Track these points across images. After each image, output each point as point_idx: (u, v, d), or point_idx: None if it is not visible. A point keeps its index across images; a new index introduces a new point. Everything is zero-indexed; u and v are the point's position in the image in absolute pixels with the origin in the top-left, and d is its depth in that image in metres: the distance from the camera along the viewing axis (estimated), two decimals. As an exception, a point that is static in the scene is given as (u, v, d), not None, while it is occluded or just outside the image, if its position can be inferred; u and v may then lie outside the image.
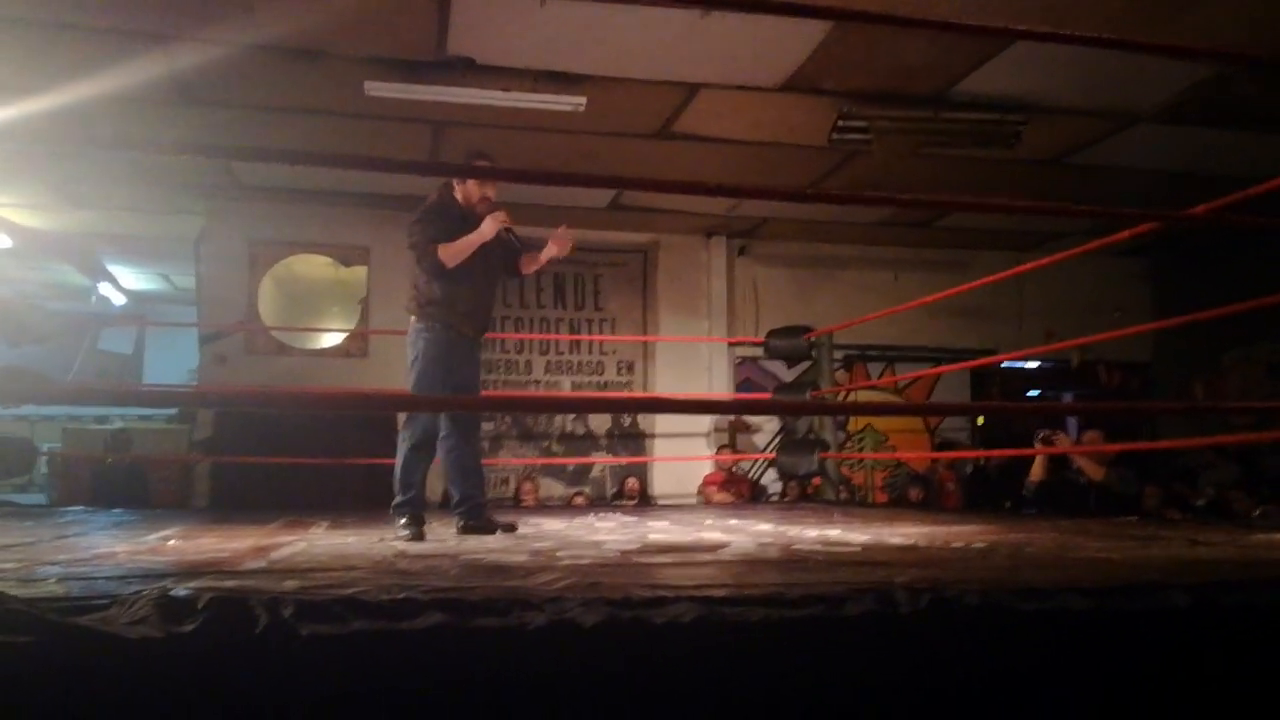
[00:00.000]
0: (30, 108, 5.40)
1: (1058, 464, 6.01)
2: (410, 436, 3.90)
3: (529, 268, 4.27)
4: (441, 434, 3.95)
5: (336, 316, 8.47)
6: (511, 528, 3.92)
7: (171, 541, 3.42)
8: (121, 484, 7.34)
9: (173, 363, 10.49)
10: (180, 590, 1.49)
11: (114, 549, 3.07)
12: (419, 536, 3.60)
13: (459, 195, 4.00)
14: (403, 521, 3.73)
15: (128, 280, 11.14)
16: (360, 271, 8.39)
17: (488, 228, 3.88)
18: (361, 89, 5.45)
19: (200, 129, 6.27)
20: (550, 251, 4.15)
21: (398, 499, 3.86)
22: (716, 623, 1.39)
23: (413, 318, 3.97)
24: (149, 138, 6.16)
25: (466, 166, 4.07)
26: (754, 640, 1.40)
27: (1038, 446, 5.81)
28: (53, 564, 2.51)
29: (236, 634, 1.21)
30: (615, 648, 1.34)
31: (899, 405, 9.79)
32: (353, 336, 8.26)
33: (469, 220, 3.93)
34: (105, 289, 10.89)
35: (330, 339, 8.31)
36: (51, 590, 1.77)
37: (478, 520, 3.90)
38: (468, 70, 5.35)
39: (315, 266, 8.45)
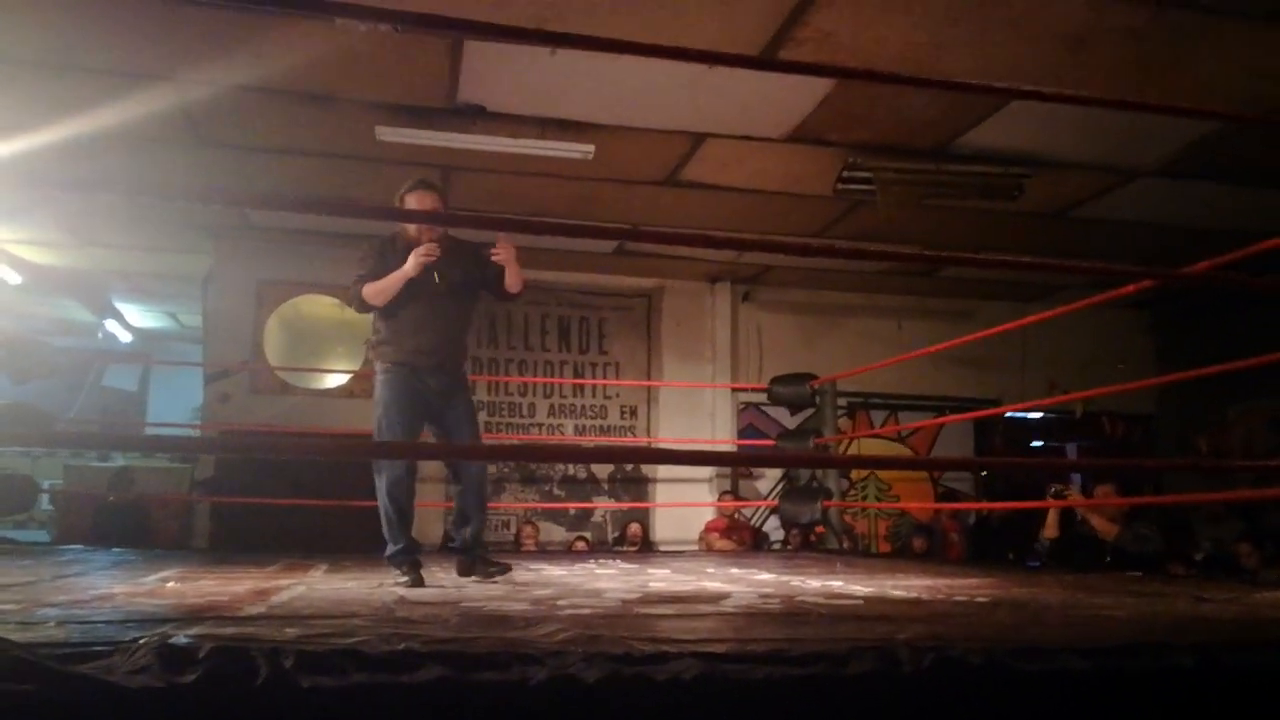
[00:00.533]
0: (40, 142, 5.47)
1: (1071, 519, 5.92)
2: (381, 486, 3.80)
3: (513, 286, 4.00)
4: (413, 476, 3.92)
5: (341, 357, 8.49)
6: (505, 568, 3.89)
7: (171, 583, 3.41)
8: (122, 522, 7.33)
9: (177, 400, 10.50)
10: (181, 638, 1.49)
11: (113, 590, 3.06)
12: (417, 582, 3.55)
13: (409, 229, 3.89)
14: (399, 570, 3.68)
15: (134, 317, 11.20)
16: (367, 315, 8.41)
17: (409, 265, 3.74)
18: (372, 133, 5.52)
19: (211, 169, 6.34)
20: (503, 259, 3.89)
21: (389, 550, 3.78)
22: (719, 680, 1.39)
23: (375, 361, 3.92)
24: (160, 178, 6.23)
25: (472, 215, 4.09)
26: (756, 698, 1.39)
27: (1050, 500, 5.71)
28: (52, 605, 2.50)
29: (237, 685, 1.20)
30: (617, 704, 1.33)
31: (906, 460, 9.76)
32: (357, 377, 8.27)
33: (396, 254, 3.84)
34: (111, 325, 10.94)
35: (334, 379, 8.33)
36: (51, 635, 1.77)
37: (475, 562, 3.90)
38: (478, 117, 5.43)
39: (321, 306, 8.48)
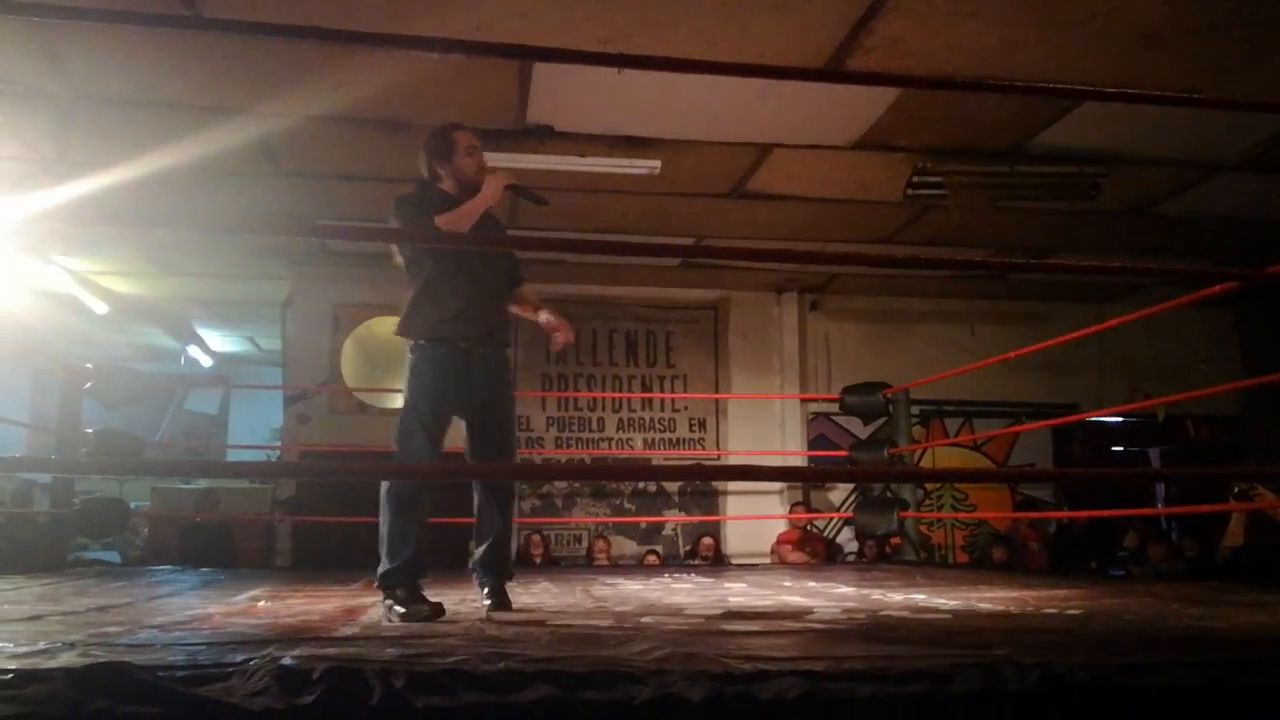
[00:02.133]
0: (123, 177, 5.67)
1: (1260, 524, 5.31)
2: (392, 485, 3.10)
3: (523, 309, 3.58)
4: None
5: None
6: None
7: (262, 603, 3.50)
8: (208, 542, 7.54)
9: (257, 422, 10.77)
10: (290, 660, 1.53)
11: (208, 610, 3.15)
12: (419, 615, 2.85)
13: (446, 183, 3.25)
14: (393, 600, 2.95)
15: (215, 342, 11.52)
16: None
17: (490, 188, 3.14)
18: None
19: (288, 197, 6.51)
20: (548, 325, 3.55)
21: (384, 566, 3.02)
22: (822, 699, 1.38)
23: (399, 333, 3.25)
24: (240, 209, 6.41)
25: (537, 237, 3.46)
26: (861, 717, 1.38)
27: (1233, 503, 5.12)
28: (154, 627, 2.59)
29: (353, 705, 1.23)
30: (722, 724, 1.33)
31: (984, 471, 9.57)
32: (430, 396, 8.38)
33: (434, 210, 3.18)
34: (193, 351, 11.27)
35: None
36: (162, 657, 1.82)
37: (499, 590, 3.29)
38: (547, 137, 5.49)
39: (394, 327, 8.63)
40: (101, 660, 1.39)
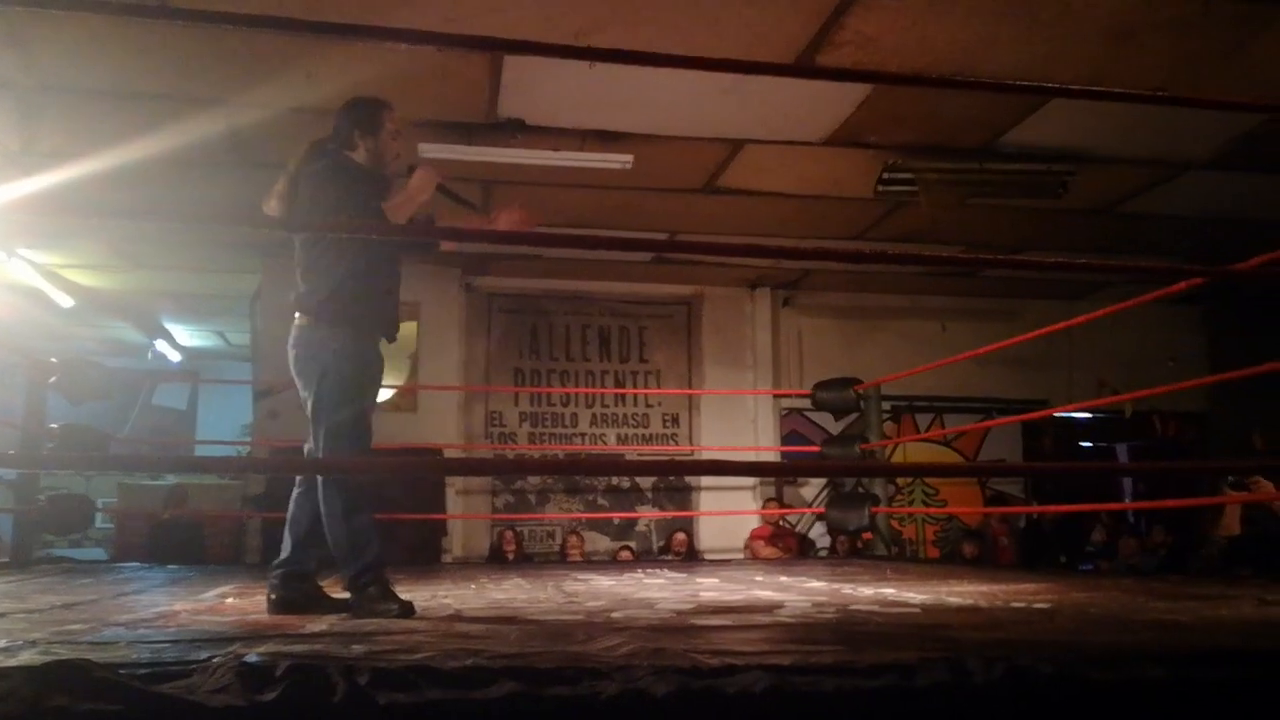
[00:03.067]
0: (91, 169, 5.59)
1: (1256, 515, 5.17)
2: (345, 483, 2.94)
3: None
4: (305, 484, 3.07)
5: (387, 372, 8.56)
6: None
7: (230, 599, 3.47)
8: (177, 539, 7.46)
9: (226, 417, 10.67)
10: (254, 657, 1.51)
11: (174, 607, 3.12)
12: (398, 612, 2.79)
13: (359, 154, 3.08)
14: (367, 598, 2.85)
15: (183, 337, 11.40)
16: (410, 327, 8.49)
17: (421, 182, 3.03)
18: (415, 150, 5.58)
19: (258, 190, 6.42)
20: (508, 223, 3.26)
21: (353, 567, 2.89)
22: (789, 693, 1.38)
23: (307, 320, 3.00)
24: (208, 201, 6.33)
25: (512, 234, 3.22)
26: (827, 712, 1.39)
27: (1227, 493, 5.02)
28: (119, 625, 2.55)
29: (316, 702, 1.22)
30: (688, 718, 1.33)
31: (955, 466, 9.65)
32: (402, 391, 8.35)
33: (378, 185, 3.07)
34: (161, 345, 11.15)
35: (381, 394, 8.41)
36: (125, 655, 1.80)
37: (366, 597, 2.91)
38: (518, 131, 5.47)
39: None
40: (61, 658, 1.37)
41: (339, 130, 3.12)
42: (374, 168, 3.09)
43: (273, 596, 2.96)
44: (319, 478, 2.99)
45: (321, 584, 3.12)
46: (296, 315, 3.04)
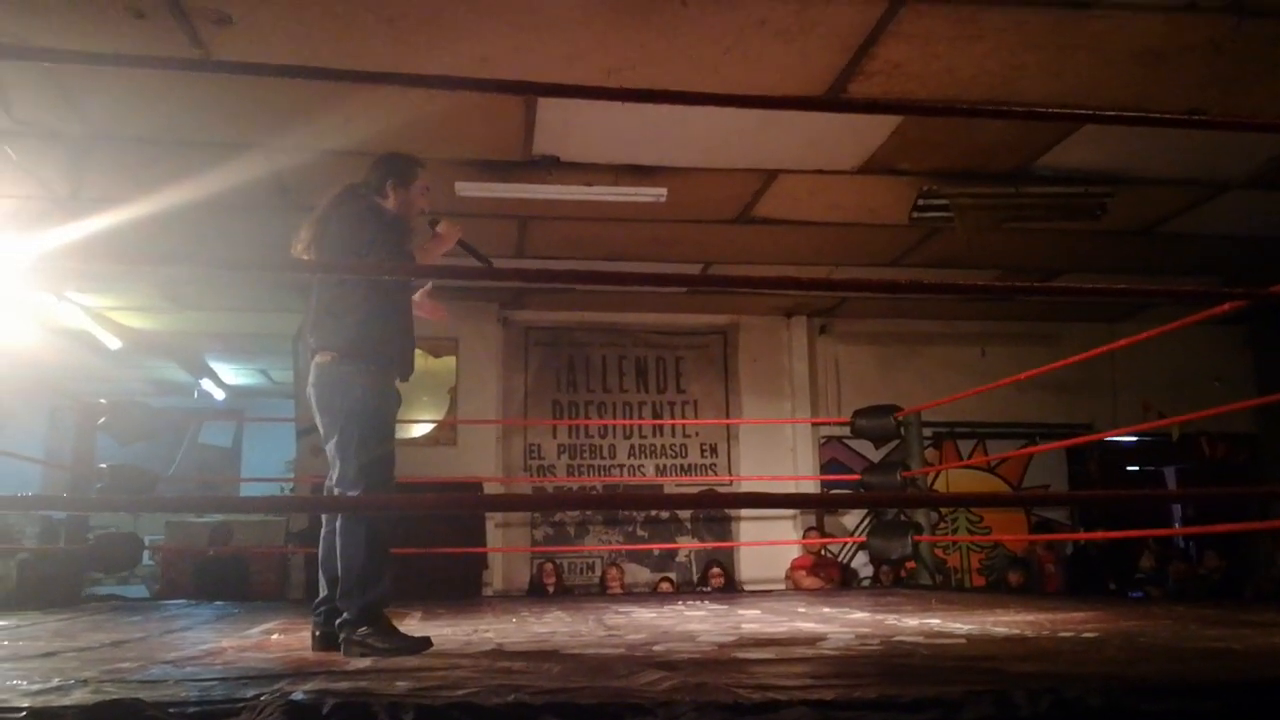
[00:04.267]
0: (139, 213, 5.73)
1: None
2: (371, 520, 2.99)
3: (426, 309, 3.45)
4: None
5: (426, 406, 8.66)
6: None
7: (275, 636, 3.50)
8: (223, 576, 7.55)
9: (270, 454, 10.81)
10: (300, 695, 1.53)
11: (221, 644, 3.16)
12: (409, 646, 2.81)
13: (391, 204, 3.20)
14: (370, 633, 2.83)
15: (228, 376, 11.59)
16: (449, 362, 8.58)
17: (449, 237, 3.22)
18: (452, 189, 5.66)
19: (297, 231, 6.55)
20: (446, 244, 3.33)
21: (359, 601, 2.88)
22: (832, 728, 1.38)
23: (331, 358, 3.04)
24: (254, 244, 6.45)
25: (561, 271, 3.29)
26: (871, 746, 1.38)
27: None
28: (167, 662, 2.59)
29: (362, 742, 1.24)
30: (731, 755, 1.33)
31: (1000, 495, 9.51)
32: (442, 425, 8.42)
33: (405, 232, 3.21)
34: (206, 384, 11.34)
35: (420, 429, 8.48)
36: (174, 693, 1.83)
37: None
38: (553, 168, 5.53)
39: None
40: (113, 697, 1.40)
41: (372, 178, 3.24)
42: (400, 217, 3.20)
43: (317, 634, 3.01)
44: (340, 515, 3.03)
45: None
46: (318, 354, 3.09)
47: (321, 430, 3.09)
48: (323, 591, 3.09)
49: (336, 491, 3.07)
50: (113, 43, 4.16)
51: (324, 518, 3.21)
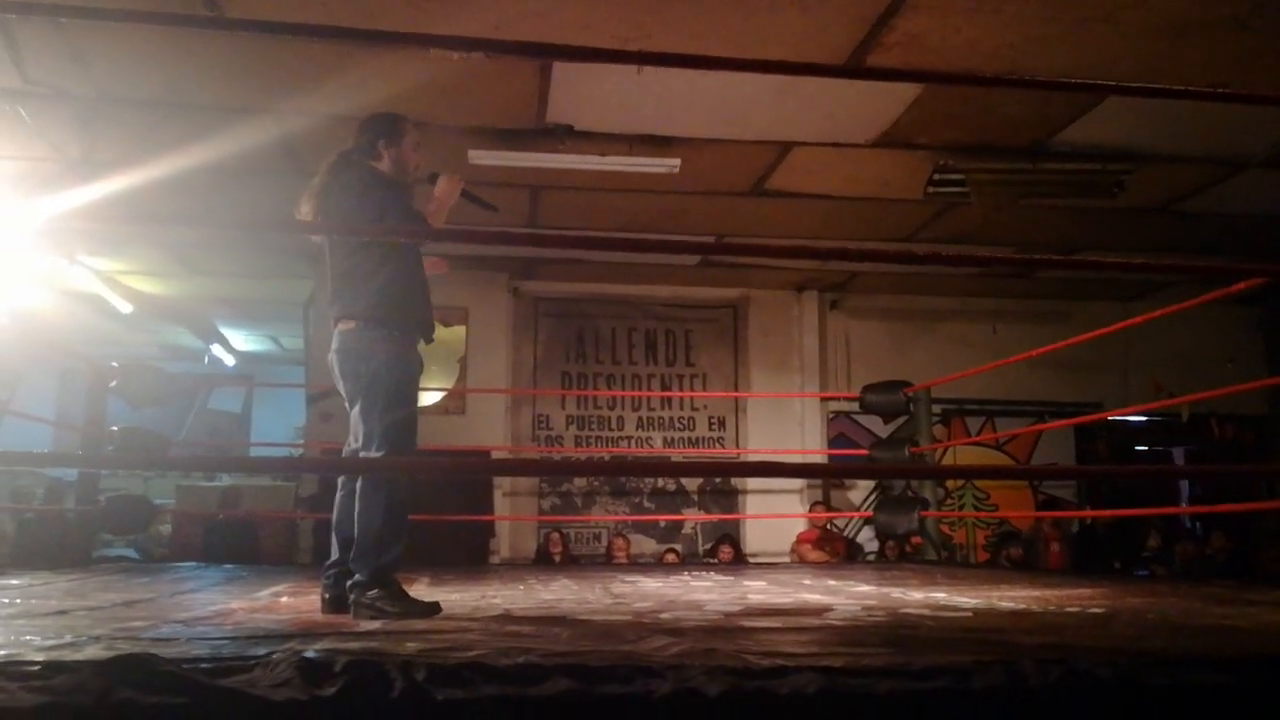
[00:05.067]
0: (149, 177, 5.73)
1: None
2: (392, 483, 3.00)
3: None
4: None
5: (436, 375, 8.67)
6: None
7: (284, 598, 3.53)
8: (231, 539, 7.60)
9: (280, 420, 10.86)
10: (313, 653, 1.54)
11: (230, 605, 3.18)
12: (420, 609, 2.83)
13: (385, 166, 3.16)
14: (383, 595, 2.85)
15: (238, 342, 11.62)
16: (459, 331, 8.59)
17: (448, 189, 3.17)
18: (465, 156, 5.64)
19: (310, 197, 6.54)
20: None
21: (374, 561, 2.89)
22: (841, 695, 1.38)
23: (355, 325, 3.04)
24: (263, 209, 6.44)
25: (567, 235, 3.53)
26: (880, 714, 1.38)
27: None
28: (178, 622, 2.61)
29: (375, 697, 1.25)
30: (741, 718, 1.34)
31: (1006, 468, 9.52)
32: (451, 394, 8.44)
33: (408, 194, 3.21)
34: (217, 350, 11.37)
35: (430, 397, 8.51)
36: (188, 650, 1.84)
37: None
38: (566, 136, 5.50)
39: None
40: (126, 652, 1.41)
41: (361, 142, 3.20)
42: (397, 178, 3.18)
43: (326, 596, 3.03)
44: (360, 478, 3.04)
45: None
46: (340, 321, 3.09)
47: (345, 396, 3.10)
48: (334, 555, 3.10)
49: (361, 455, 3.08)
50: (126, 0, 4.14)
51: (340, 481, 3.21)
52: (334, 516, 3.17)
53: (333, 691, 1.23)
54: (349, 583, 2.92)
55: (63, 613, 2.85)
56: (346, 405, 3.13)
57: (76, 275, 8.06)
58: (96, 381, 6.15)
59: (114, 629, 2.33)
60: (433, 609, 2.84)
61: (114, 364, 6.17)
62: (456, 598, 3.53)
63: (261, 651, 1.70)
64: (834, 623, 2.62)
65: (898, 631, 2.40)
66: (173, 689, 1.23)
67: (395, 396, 3.03)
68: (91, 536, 6.33)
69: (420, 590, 3.82)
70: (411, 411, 3.10)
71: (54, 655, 1.66)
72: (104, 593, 3.69)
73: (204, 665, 1.46)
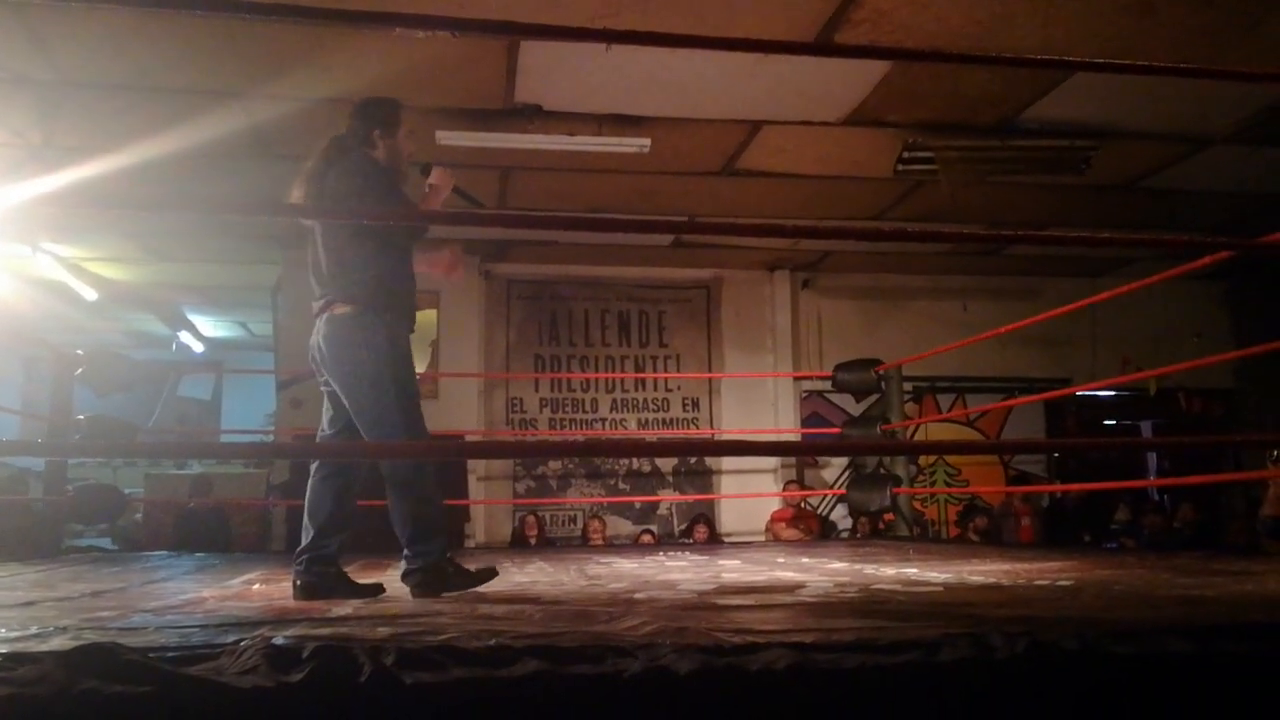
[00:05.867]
0: (114, 164, 5.64)
1: None
2: (421, 466, 3.08)
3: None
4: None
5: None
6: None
7: (256, 586, 3.50)
8: (203, 528, 7.54)
9: (250, 407, 10.77)
10: (281, 639, 1.53)
11: (202, 594, 3.15)
12: (484, 576, 3.03)
13: (380, 154, 3.14)
14: (449, 573, 2.99)
15: (207, 328, 11.50)
16: (430, 315, 8.54)
17: (442, 183, 3.18)
18: (433, 138, 5.59)
19: (278, 181, 6.45)
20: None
21: (432, 545, 3.00)
22: (811, 670, 1.39)
23: (352, 310, 3.01)
24: (230, 193, 6.37)
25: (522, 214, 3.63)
26: (849, 688, 1.39)
27: (1271, 468, 4.93)
28: (147, 610, 2.59)
29: (343, 682, 1.24)
30: (711, 695, 1.34)
31: (976, 444, 9.61)
32: (423, 378, 8.39)
33: (400, 182, 3.20)
34: (185, 337, 11.25)
35: (403, 381, 8.46)
36: (154, 639, 1.83)
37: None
38: (535, 116, 5.47)
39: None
40: (91, 642, 1.39)
41: (357, 130, 3.17)
42: (392, 166, 3.16)
43: (298, 582, 3.00)
44: (388, 465, 3.06)
45: (345, 569, 3.16)
46: (336, 306, 3.04)
47: (338, 383, 3.06)
48: (306, 539, 3.09)
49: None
50: (82, -17, 4.05)
51: (312, 466, 3.18)
52: (306, 502, 3.15)
53: (300, 678, 1.22)
54: (409, 567, 2.98)
55: (29, 604, 2.81)
56: (331, 390, 3.11)
57: (40, 263, 7.94)
58: (62, 370, 6.06)
59: (81, 619, 2.30)
60: (490, 573, 3.01)
61: (79, 351, 6.08)
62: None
63: (230, 639, 1.68)
64: (806, 599, 2.64)
65: (868, 607, 2.42)
66: (137, 678, 1.22)
67: (405, 379, 3.06)
68: (60, 527, 6.26)
69: (394, 575, 3.82)
70: (417, 391, 3.15)
71: (18, 647, 1.64)
72: (73, 583, 3.64)
73: (170, 654, 1.44)
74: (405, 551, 3.01)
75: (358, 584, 3.05)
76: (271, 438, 8.77)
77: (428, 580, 2.95)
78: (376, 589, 3.00)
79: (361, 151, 3.12)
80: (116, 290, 9.11)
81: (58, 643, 1.74)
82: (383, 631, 1.86)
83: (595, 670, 1.34)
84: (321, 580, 2.97)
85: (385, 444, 3.05)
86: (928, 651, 1.49)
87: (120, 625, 2.18)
